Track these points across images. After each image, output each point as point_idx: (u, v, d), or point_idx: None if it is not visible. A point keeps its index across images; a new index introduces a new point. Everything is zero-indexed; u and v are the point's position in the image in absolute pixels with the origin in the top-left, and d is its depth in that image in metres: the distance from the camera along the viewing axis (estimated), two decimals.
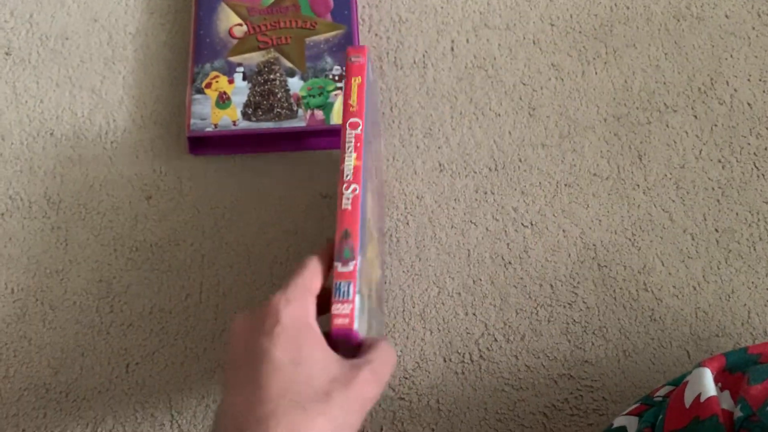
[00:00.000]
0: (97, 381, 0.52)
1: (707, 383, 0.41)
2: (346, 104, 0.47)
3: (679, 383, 0.43)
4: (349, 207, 0.43)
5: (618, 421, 0.44)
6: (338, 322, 0.40)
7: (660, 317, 0.55)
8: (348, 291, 0.41)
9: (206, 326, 0.54)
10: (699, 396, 0.40)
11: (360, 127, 0.46)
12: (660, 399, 0.44)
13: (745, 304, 0.56)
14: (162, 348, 0.53)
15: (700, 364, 0.42)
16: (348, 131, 0.46)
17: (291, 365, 0.37)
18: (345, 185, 0.44)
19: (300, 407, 0.36)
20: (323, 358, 0.39)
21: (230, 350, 0.40)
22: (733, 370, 0.42)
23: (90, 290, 0.55)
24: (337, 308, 0.41)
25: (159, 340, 0.54)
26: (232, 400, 0.37)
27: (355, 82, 0.48)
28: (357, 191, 0.44)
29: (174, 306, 0.55)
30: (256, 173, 0.59)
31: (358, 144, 0.45)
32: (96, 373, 0.52)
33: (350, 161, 0.45)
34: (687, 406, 0.40)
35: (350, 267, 0.42)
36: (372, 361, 0.40)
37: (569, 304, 0.55)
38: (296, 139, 0.60)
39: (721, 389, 0.41)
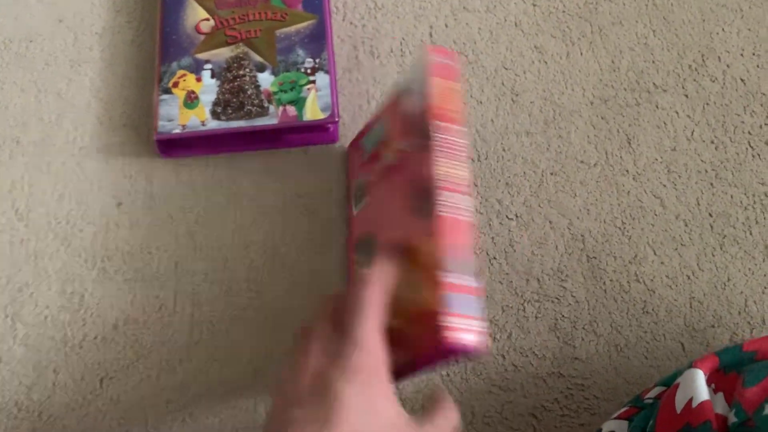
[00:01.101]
0: (70, 398, 0.51)
1: (699, 386, 0.39)
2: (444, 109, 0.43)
3: (670, 383, 0.41)
4: (467, 219, 0.40)
5: (607, 426, 0.42)
6: (464, 337, 0.36)
7: (653, 309, 0.53)
8: (472, 306, 0.37)
9: (182, 337, 0.52)
10: (691, 400, 0.38)
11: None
12: (651, 401, 0.42)
13: (741, 292, 0.53)
14: (137, 361, 0.52)
15: (692, 365, 0.40)
16: (459, 140, 0.42)
17: (364, 414, 0.35)
18: (456, 192, 0.40)
19: None
20: (395, 416, 0.37)
21: (299, 380, 0.37)
22: (728, 370, 0.40)
23: (61, 303, 0.53)
24: (457, 322, 0.37)
25: (133, 352, 0.52)
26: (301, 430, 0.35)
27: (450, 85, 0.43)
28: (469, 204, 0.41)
29: (148, 317, 0.53)
30: (229, 174, 0.57)
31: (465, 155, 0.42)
32: (69, 390, 0.51)
33: (463, 171, 0.41)
34: (678, 411, 0.38)
35: (469, 281, 0.38)
36: (439, 426, 0.38)
37: (557, 298, 0.53)
38: (269, 137, 0.58)
39: (714, 391, 0.39)
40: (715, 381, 0.39)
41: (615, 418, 0.43)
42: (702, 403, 0.37)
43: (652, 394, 0.42)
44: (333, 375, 0.36)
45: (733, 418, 0.37)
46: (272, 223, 0.56)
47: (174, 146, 0.57)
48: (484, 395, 0.50)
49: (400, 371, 0.40)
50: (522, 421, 0.50)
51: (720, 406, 0.38)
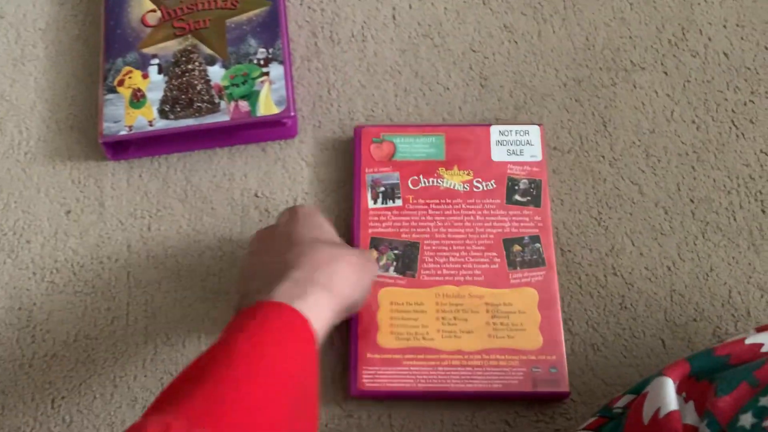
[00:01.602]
0: (21, 420, 0.48)
1: (668, 396, 0.36)
2: None
3: (640, 392, 0.38)
4: None
5: None
6: None
7: (631, 304, 0.50)
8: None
9: (136, 351, 0.50)
10: (658, 411, 0.36)
11: None
12: (620, 410, 0.40)
13: (725, 282, 0.50)
14: (89, 378, 0.49)
15: (661, 373, 0.37)
16: None
17: (316, 228, 0.45)
18: None
19: (329, 247, 0.43)
20: (333, 233, 0.47)
21: (255, 250, 0.46)
22: (699, 377, 0.37)
23: (8, 320, 0.51)
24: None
25: (86, 369, 0.49)
26: (267, 249, 0.45)
27: None
28: None
29: (100, 331, 0.50)
30: (182, 175, 0.54)
31: None
32: (20, 412, 0.49)
33: None
34: (645, 422, 0.36)
35: None
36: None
37: None
38: (222, 135, 0.54)
39: (685, 400, 0.36)
40: (686, 389, 0.37)
41: (583, 429, 0.40)
42: (669, 414, 0.35)
43: (621, 403, 0.40)
44: (279, 222, 0.46)
45: (705, 430, 0.34)
46: (229, 226, 0.53)
47: (123, 148, 0.54)
48: (453, 403, 0.48)
49: None
50: (494, 429, 0.47)
51: (690, 417, 0.35)
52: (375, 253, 0.50)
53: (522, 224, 0.50)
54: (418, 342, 0.48)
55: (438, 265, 0.50)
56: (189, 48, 0.55)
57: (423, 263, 0.50)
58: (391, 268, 0.50)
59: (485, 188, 0.51)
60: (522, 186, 0.51)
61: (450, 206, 0.51)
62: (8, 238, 0.53)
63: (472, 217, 0.51)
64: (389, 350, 0.47)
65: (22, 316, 0.51)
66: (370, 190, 0.52)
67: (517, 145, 0.52)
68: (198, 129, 0.53)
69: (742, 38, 0.57)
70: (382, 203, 0.52)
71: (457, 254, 0.50)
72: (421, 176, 0.52)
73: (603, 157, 0.54)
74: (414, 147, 0.53)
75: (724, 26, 0.57)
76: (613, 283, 0.51)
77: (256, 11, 0.56)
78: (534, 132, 0.53)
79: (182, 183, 0.54)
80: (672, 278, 0.51)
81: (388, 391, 0.47)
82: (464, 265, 0.49)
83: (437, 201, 0.51)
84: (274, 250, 0.44)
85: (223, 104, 0.53)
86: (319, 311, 0.40)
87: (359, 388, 0.47)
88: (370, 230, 0.51)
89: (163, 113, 0.53)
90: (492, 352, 0.47)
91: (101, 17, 0.57)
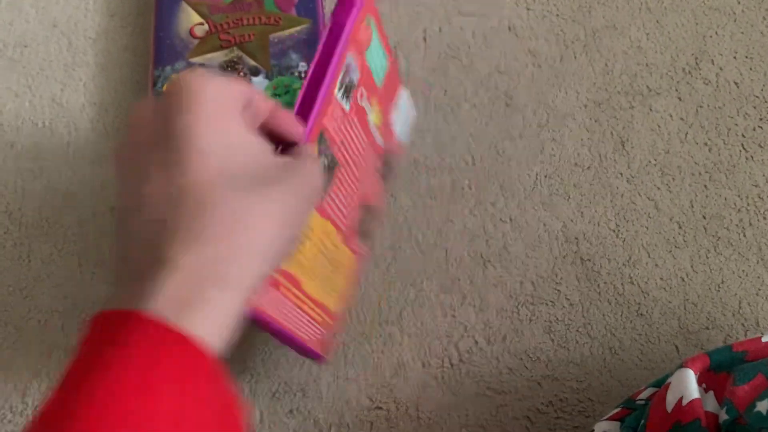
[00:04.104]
0: None
1: (690, 385, 0.39)
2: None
3: (661, 385, 0.41)
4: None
5: (599, 427, 0.42)
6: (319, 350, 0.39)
7: (647, 311, 0.53)
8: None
9: None
10: (681, 399, 0.38)
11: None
12: (642, 402, 0.42)
13: (735, 294, 0.53)
14: None
15: (683, 365, 0.40)
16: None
17: (222, 147, 0.29)
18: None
19: (241, 190, 0.29)
20: (258, 144, 0.31)
21: (134, 134, 0.31)
22: (718, 370, 0.40)
23: (55, 308, 0.53)
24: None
25: None
26: (147, 189, 0.29)
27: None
28: None
29: None
30: None
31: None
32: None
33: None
34: (669, 410, 0.38)
35: None
36: (312, 155, 0.35)
37: (552, 301, 0.53)
38: None
39: (705, 390, 0.39)
40: (705, 381, 0.39)
41: (607, 419, 0.43)
42: (692, 401, 0.37)
43: (644, 395, 0.42)
44: (180, 114, 0.29)
45: (724, 416, 0.37)
46: None
47: None
48: (478, 398, 0.50)
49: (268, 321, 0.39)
50: (516, 424, 0.50)
51: (710, 405, 0.38)
52: (316, 152, 0.37)
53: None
54: (287, 265, 0.40)
55: (337, 199, 0.43)
56: (234, 59, 0.58)
57: (330, 189, 0.42)
58: None
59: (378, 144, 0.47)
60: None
61: (363, 144, 0.44)
62: (55, 231, 0.56)
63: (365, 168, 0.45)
64: None
65: (67, 304, 0.53)
66: (342, 75, 0.40)
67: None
68: None
69: (751, 69, 0.61)
70: (342, 98, 0.41)
71: (349, 199, 0.45)
72: (364, 92, 0.43)
73: (621, 174, 0.57)
74: (376, 55, 0.44)
75: (735, 57, 0.61)
76: (630, 292, 0.53)
77: (298, 28, 0.60)
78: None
79: None
80: (685, 288, 0.54)
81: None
82: (347, 215, 0.45)
83: (360, 130, 0.44)
84: (153, 185, 0.29)
85: None
86: (219, 324, 0.27)
87: None
88: (325, 121, 0.39)
89: None
90: (318, 304, 0.44)
91: (150, 28, 0.61)
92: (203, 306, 0.27)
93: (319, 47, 0.40)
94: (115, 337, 0.26)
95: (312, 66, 0.39)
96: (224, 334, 0.28)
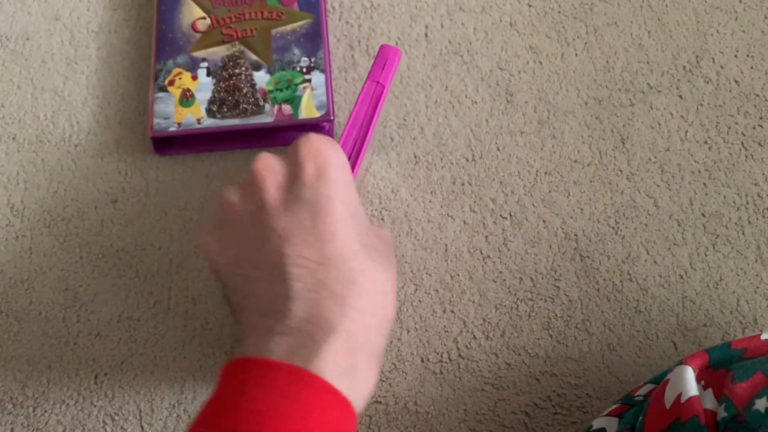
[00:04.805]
0: (65, 394, 0.51)
1: (688, 382, 0.39)
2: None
3: (660, 381, 0.41)
4: None
5: (597, 423, 0.43)
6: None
7: (645, 308, 0.53)
8: None
9: (176, 333, 0.52)
10: (680, 396, 0.38)
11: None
12: (641, 398, 0.42)
13: (733, 292, 0.53)
14: (131, 357, 0.52)
15: (682, 362, 0.40)
16: None
17: (352, 216, 0.33)
18: None
19: (376, 262, 0.32)
20: (361, 209, 0.36)
21: (265, 199, 0.33)
22: (717, 367, 0.40)
23: (56, 300, 0.53)
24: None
25: (128, 349, 0.52)
26: (300, 252, 0.31)
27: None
28: None
29: (142, 313, 0.53)
30: (224, 172, 0.57)
31: None
32: (64, 386, 0.51)
33: None
34: (667, 407, 0.39)
35: None
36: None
37: (551, 297, 0.53)
38: (264, 135, 0.58)
39: (704, 387, 0.39)
40: (704, 378, 0.40)
41: (605, 415, 0.43)
42: (690, 398, 0.38)
43: (642, 391, 0.42)
44: (304, 177, 0.33)
45: (722, 413, 0.37)
46: None
47: (169, 144, 0.57)
48: (476, 393, 0.50)
49: None
50: (514, 419, 0.50)
51: (709, 402, 0.38)
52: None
53: None
54: None
55: None
56: (236, 54, 0.58)
57: None
58: None
59: None
60: None
61: None
62: (57, 224, 0.56)
63: None
64: None
65: (68, 296, 0.53)
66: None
67: None
68: (243, 129, 0.56)
69: (752, 67, 0.61)
70: None
71: None
72: None
73: (621, 171, 0.57)
74: None
75: (736, 56, 0.61)
76: (628, 288, 0.54)
77: (300, 23, 0.60)
78: None
79: (223, 179, 0.57)
80: (684, 286, 0.54)
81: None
82: None
83: None
84: (300, 250, 0.31)
85: (267, 107, 0.57)
86: (364, 391, 0.30)
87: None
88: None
89: (210, 112, 0.56)
90: None
91: (153, 22, 0.61)
92: (356, 373, 0.29)
93: (361, 101, 0.47)
94: (289, 391, 0.27)
95: (353, 119, 0.47)
96: (365, 399, 0.30)
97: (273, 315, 0.30)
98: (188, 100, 0.57)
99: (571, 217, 0.56)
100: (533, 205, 0.56)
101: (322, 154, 0.33)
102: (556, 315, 0.53)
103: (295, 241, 0.31)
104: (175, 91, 0.57)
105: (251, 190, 0.34)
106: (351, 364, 0.28)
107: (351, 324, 0.29)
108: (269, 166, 0.35)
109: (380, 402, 0.50)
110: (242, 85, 0.57)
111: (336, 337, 0.28)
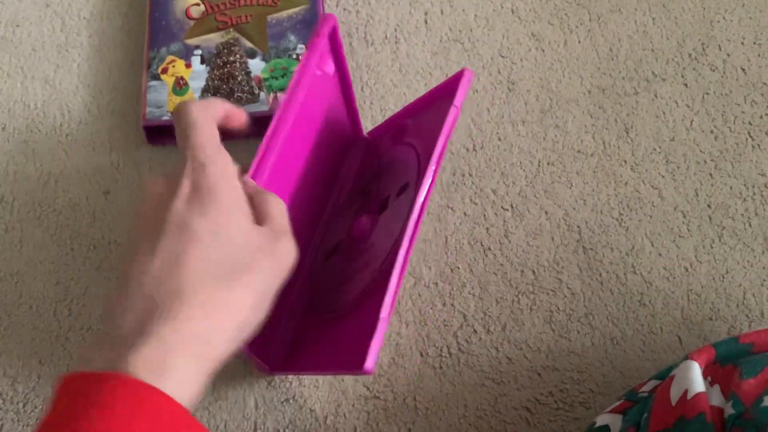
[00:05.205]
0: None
1: (695, 378, 0.38)
2: None
3: (665, 377, 0.40)
4: None
5: (601, 419, 0.41)
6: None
7: (650, 301, 0.52)
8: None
9: None
10: (686, 392, 0.37)
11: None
12: (645, 395, 0.41)
13: (740, 285, 0.52)
14: None
15: (688, 357, 0.39)
16: None
17: (211, 236, 0.34)
18: None
19: (223, 281, 0.34)
20: (245, 228, 0.36)
21: (142, 214, 0.37)
22: (724, 362, 0.39)
23: (47, 293, 0.52)
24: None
25: None
26: (144, 267, 0.34)
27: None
28: None
29: None
30: None
31: None
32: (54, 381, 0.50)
33: None
34: (673, 403, 0.38)
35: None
36: (284, 225, 0.38)
37: (553, 290, 0.52)
38: (259, 124, 0.56)
39: (710, 383, 0.38)
40: (711, 374, 0.38)
41: (609, 412, 0.42)
42: (697, 395, 0.37)
43: (647, 387, 0.41)
44: (177, 202, 0.35)
45: (730, 410, 0.36)
46: None
47: (162, 134, 0.56)
48: (476, 388, 0.49)
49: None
50: (515, 415, 0.49)
51: (716, 399, 0.37)
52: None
53: None
54: None
55: None
56: (231, 41, 0.57)
57: None
58: None
59: None
60: None
61: None
62: (48, 216, 0.54)
63: None
64: None
65: (59, 290, 0.52)
66: None
67: None
68: None
69: (759, 55, 0.59)
70: None
71: None
72: None
73: (625, 161, 0.56)
74: None
75: (742, 43, 0.60)
76: (632, 281, 0.53)
77: (296, 9, 0.58)
78: None
79: None
80: (689, 279, 0.53)
81: None
82: None
83: None
84: (149, 264, 0.34)
85: (262, 95, 0.55)
86: (186, 386, 0.31)
87: None
88: None
89: None
90: None
91: (146, 9, 0.59)
92: (173, 372, 0.31)
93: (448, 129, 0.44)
94: (96, 395, 0.29)
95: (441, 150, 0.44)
96: (191, 395, 0.32)
97: (106, 325, 0.34)
98: (182, 89, 0.55)
99: (574, 209, 0.54)
100: (535, 196, 0.55)
101: (208, 185, 0.36)
102: (558, 308, 0.52)
103: (144, 258, 0.34)
104: (169, 80, 0.56)
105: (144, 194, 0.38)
106: (165, 364, 0.31)
107: (167, 331, 0.31)
108: (154, 185, 0.38)
109: (379, 397, 0.49)
110: (237, 73, 0.56)
111: (144, 341, 0.31)
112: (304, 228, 0.49)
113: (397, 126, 0.52)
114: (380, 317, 0.39)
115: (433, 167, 0.43)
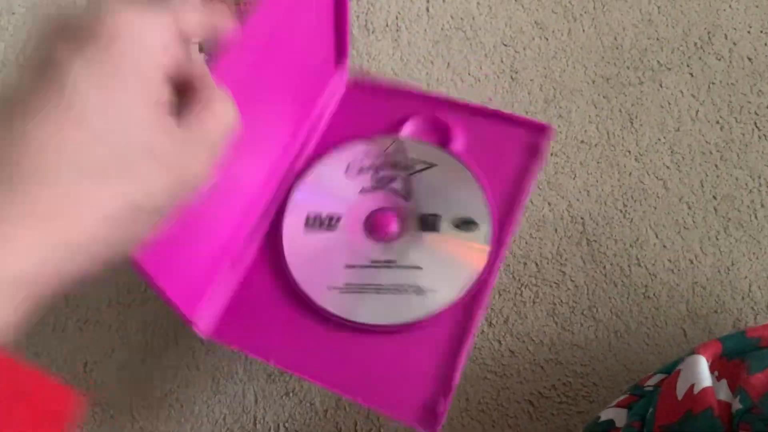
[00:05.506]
0: None
1: (701, 372, 0.37)
2: None
3: (671, 371, 0.40)
4: None
5: (605, 414, 0.41)
6: None
7: (654, 294, 0.51)
8: None
9: (167, 321, 0.51)
10: (692, 387, 0.37)
11: None
12: (651, 389, 0.41)
13: (745, 277, 0.52)
14: (121, 345, 0.50)
15: (694, 351, 0.38)
16: None
17: (106, 126, 0.25)
18: None
19: (87, 179, 0.24)
20: (147, 117, 0.26)
21: (36, 51, 0.25)
22: (731, 357, 0.38)
23: None
24: None
25: (118, 336, 0.50)
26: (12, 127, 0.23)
27: None
28: None
29: (133, 299, 0.51)
30: None
31: None
32: (51, 374, 0.49)
33: None
34: (679, 398, 0.37)
35: None
36: (214, 139, 0.27)
37: (556, 283, 0.51)
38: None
39: (717, 378, 0.37)
40: (718, 368, 0.38)
41: (614, 406, 0.41)
42: (704, 390, 0.36)
43: (652, 381, 0.41)
44: (66, 55, 0.24)
45: (737, 405, 0.35)
46: None
47: None
48: (479, 381, 0.49)
49: None
50: (518, 408, 0.48)
51: (723, 393, 0.36)
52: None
53: None
54: None
55: None
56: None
57: None
58: None
59: None
60: None
61: None
62: None
63: None
64: None
65: None
66: None
67: None
68: None
69: (765, 44, 0.59)
70: None
71: None
72: None
73: (629, 152, 0.55)
74: None
75: (749, 32, 0.59)
76: (636, 274, 0.52)
77: None
78: None
79: None
80: (694, 271, 0.52)
81: None
82: None
83: None
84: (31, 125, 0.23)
85: None
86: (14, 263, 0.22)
87: None
88: None
89: None
90: None
91: None
92: None
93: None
94: None
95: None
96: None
97: None
98: None
99: (578, 200, 0.54)
100: (538, 187, 0.54)
101: (116, 50, 0.25)
102: (561, 301, 0.51)
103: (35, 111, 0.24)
104: None
105: None
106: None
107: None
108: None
109: None
110: None
111: None
112: (259, 158, 0.42)
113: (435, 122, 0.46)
114: (453, 384, 0.38)
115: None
